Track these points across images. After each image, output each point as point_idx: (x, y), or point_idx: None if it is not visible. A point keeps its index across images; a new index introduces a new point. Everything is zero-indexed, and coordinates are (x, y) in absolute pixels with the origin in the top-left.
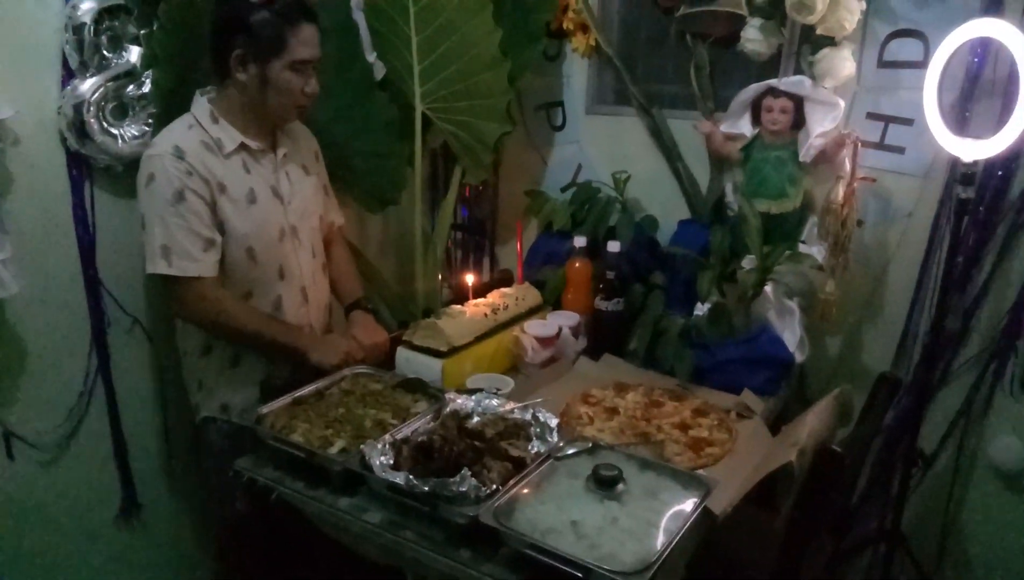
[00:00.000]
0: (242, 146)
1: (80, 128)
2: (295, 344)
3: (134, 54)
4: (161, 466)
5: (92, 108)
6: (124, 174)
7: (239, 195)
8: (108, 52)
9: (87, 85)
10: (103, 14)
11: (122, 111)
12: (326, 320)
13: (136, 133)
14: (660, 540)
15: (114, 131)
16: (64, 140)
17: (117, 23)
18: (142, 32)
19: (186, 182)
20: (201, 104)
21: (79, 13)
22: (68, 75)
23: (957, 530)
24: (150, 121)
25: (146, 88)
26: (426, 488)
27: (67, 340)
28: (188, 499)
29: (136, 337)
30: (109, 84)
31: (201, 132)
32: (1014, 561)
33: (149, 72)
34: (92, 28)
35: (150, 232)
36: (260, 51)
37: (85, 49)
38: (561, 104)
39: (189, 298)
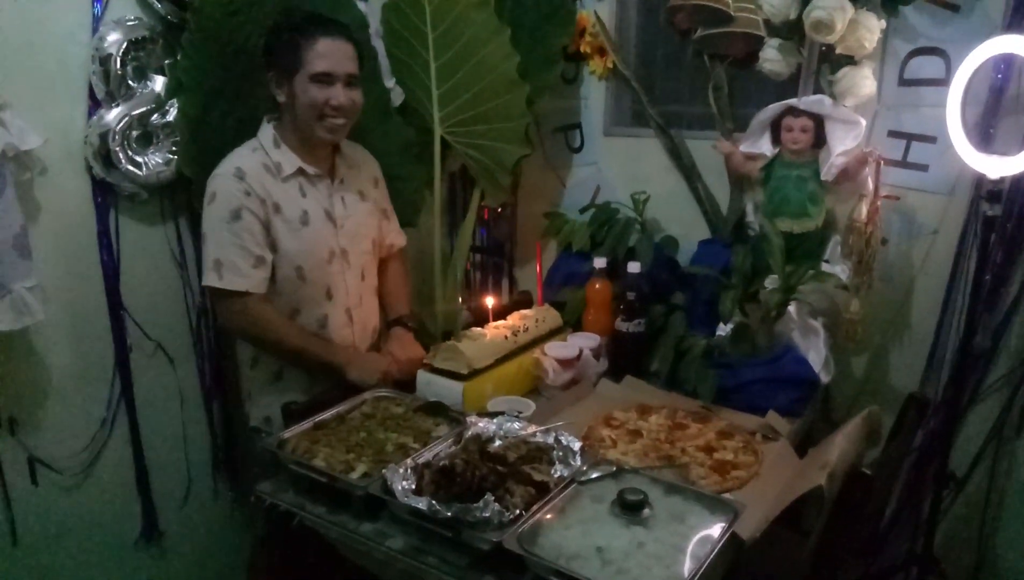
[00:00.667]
0: (300, 170)
1: (106, 156)
2: (334, 360)
3: (159, 84)
4: (182, 492)
5: (118, 137)
6: (148, 201)
7: (292, 216)
8: (133, 82)
9: (113, 114)
10: (130, 45)
11: (147, 139)
12: (373, 341)
13: (160, 161)
14: (688, 566)
15: (139, 159)
16: (90, 168)
17: (143, 53)
18: (166, 62)
19: (244, 202)
20: (266, 130)
21: (106, 45)
22: (95, 105)
23: (991, 553)
24: (174, 149)
25: (170, 116)
26: (449, 513)
27: (91, 366)
28: (209, 525)
29: (158, 362)
30: (134, 113)
31: (263, 155)
32: None
33: (173, 101)
34: (118, 59)
35: (207, 247)
36: (284, 68)
37: (111, 79)
38: (579, 126)
39: (235, 311)
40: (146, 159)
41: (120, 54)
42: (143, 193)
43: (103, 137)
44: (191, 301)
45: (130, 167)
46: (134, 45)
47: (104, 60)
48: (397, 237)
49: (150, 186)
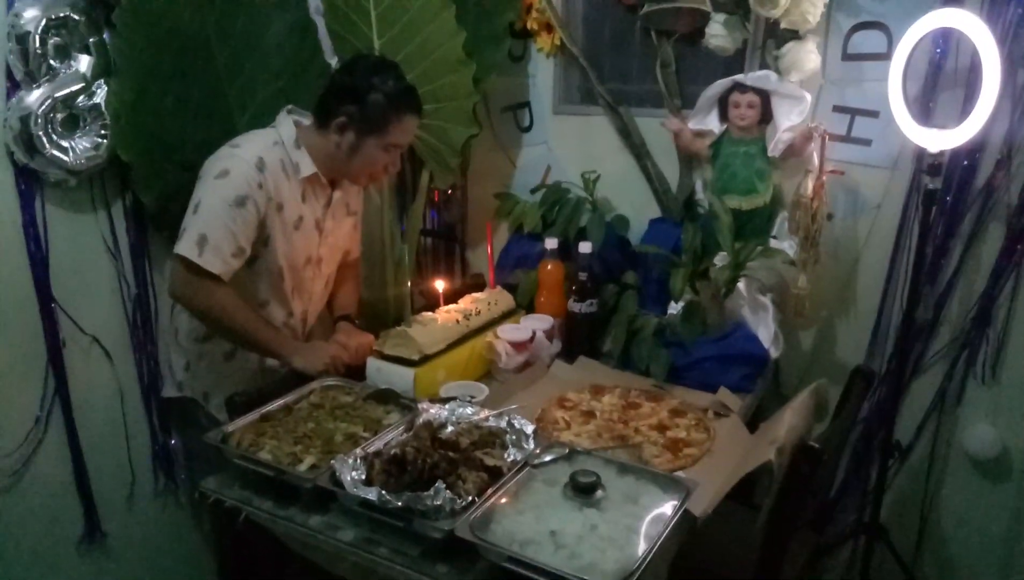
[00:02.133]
0: (313, 177)
1: (28, 141)
2: (279, 350)
3: (84, 63)
4: (125, 491)
5: (40, 120)
6: (78, 188)
7: (290, 219)
8: (55, 61)
9: (34, 97)
10: (49, 22)
11: (73, 123)
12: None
13: (89, 145)
14: (641, 547)
15: (64, 143)
16: (11, 154)
17: (64, 31)
18: (91, 40)
19: (253, 193)
20: (288, 126)
21: (22, 22)
22: (13, 87)
23: (935, 519)
24: (103, 132)
25: (98, 98)
26: (399, 503)
27: (21, 362)
28: (154, 525)
29: (95, 356)
30: (58, 95)
31: (283, 151)
32: (991, 548)
33: (100, 81)
34: (37, 37)
35: (198, 217)
36: (362, 127)
37: (31, 59)
38: (528, 105)
39: (198, 288)
40: (73, 144)
41: (39, 32)
42: (71, 180)
43: (24, 121)
44: (127, 293)
45: (56, 152)
46: (54, 22)
47: (21, 38)
48: (355, 247)
49: (79, 172)
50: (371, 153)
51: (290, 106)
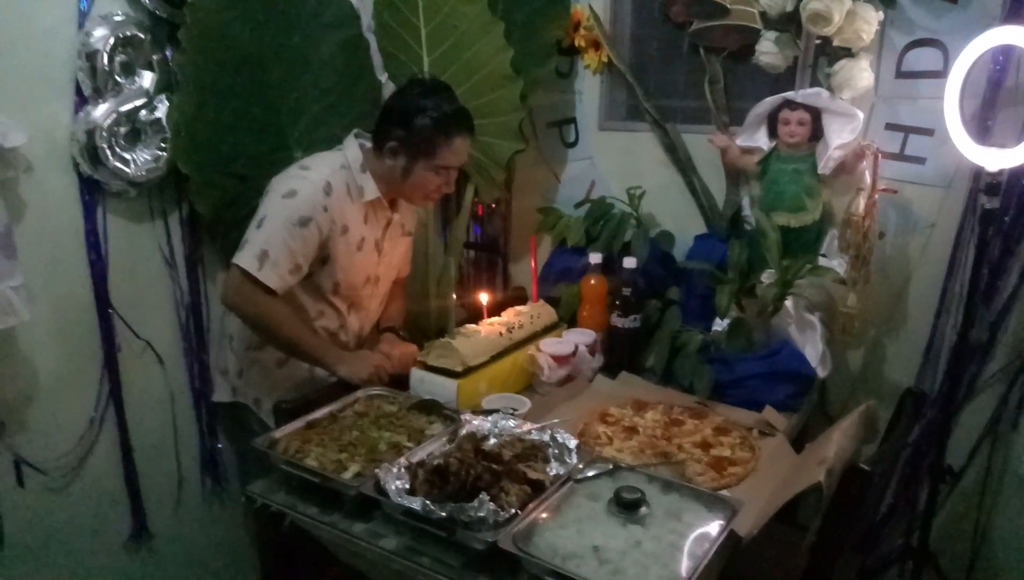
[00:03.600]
0: (377, 200)
1: (93, 153)
2: (324, 358)
3: (147, 79)
4: (173, 493)
5: (105, 134)
6: (136, 199)
7: (353, 240)
8: (121, 78)
9: (100, 111)
10: (117, 41)
11: (135, 136)
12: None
13: (149, 158)
14: (685, 564)
15: (127, 156)
16: (77, 165)
17: (130, 49)
18: (155, 57)
19: (318, 215)
20: (354, 150)
21: (92, 40)
22: (81, 101)
23: (987, 546)
24: (163, 145)
25: (159, 113)
26: (443, 513)
27: (78, 366)
28: (199, 527)
29: (147, 361)
30: (122, 110)
31: (349, 175)
32: None
33: (161, 96)
34: (106, 55)
35: (261, 232)
36: (412, 150)
37: (98, 76)
38: (574, 121)
39: (254, 300)
40: (134, 156)
41: (107, 50)
42: (131, 190)
43: (90, 134)
44: (180, 299)
45: (118, 164)
46: (122, 41)
47: (91, 56)
48: (407, 266)
49: (139, 183)
50: (423, 175)
51: (357, 129)
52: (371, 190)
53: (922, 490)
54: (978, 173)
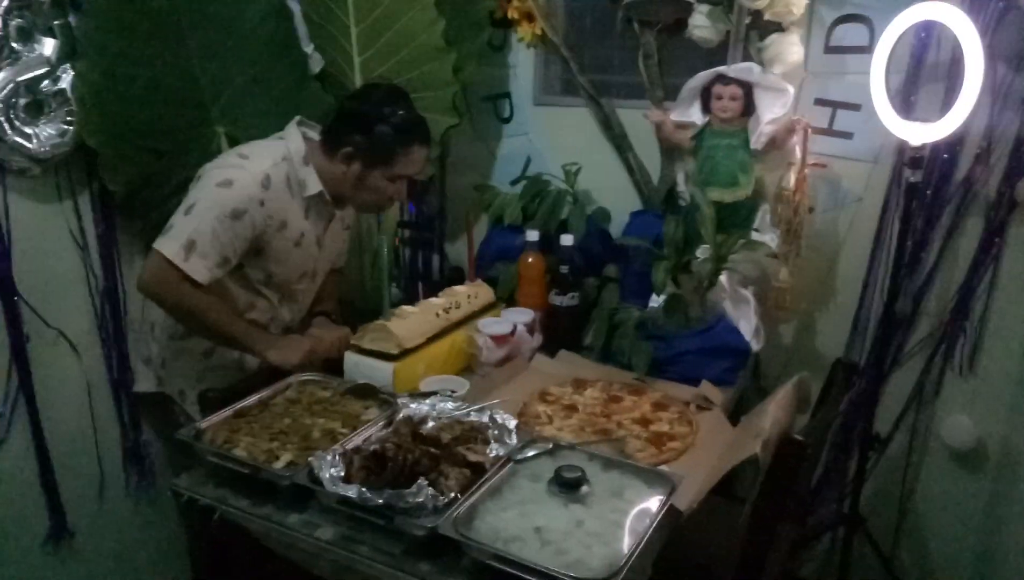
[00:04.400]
0: (319, 195)
1: None
2: (253, 344)
3: (48, 47)
4: (94, 489)
5: (1, 105)
6: (41, 176)
7: (292, 236)
8: (18, 44)
9: None
10: (12, 3)
11: (37, 108)
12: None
13: (54, 132)
14: (627, 542)
15: (28, 130)
16: None
17: (28, 13)
18: (56, 23)
19: (253, 209)
20: (297, 140)
21: None
22: None
23: (912, 509)
24: (69, 119)
25: (63, 83)
26: (380, 500)
27: None
28: (124, 524)
29: (60, 351)
30: (20, 79)
31: (291, 168)
32: (967, 537)
33: (65, 66)
34: None
35: (189, 220)
36: (369, 158)
37: None
38: (508, 95)
39: (178, 290)
40: (37, 130)
41: (1, 13)
42: (35, 168)
43: None
44: (94, 285)
45: (18, 139)
46: (17, 4)
47: None
48: (343, 257)
49: (43, 160)
50: (377, 184)
51: (300, 117)
52: (313, 184)
53: (852, 458)
54: (903, 147)
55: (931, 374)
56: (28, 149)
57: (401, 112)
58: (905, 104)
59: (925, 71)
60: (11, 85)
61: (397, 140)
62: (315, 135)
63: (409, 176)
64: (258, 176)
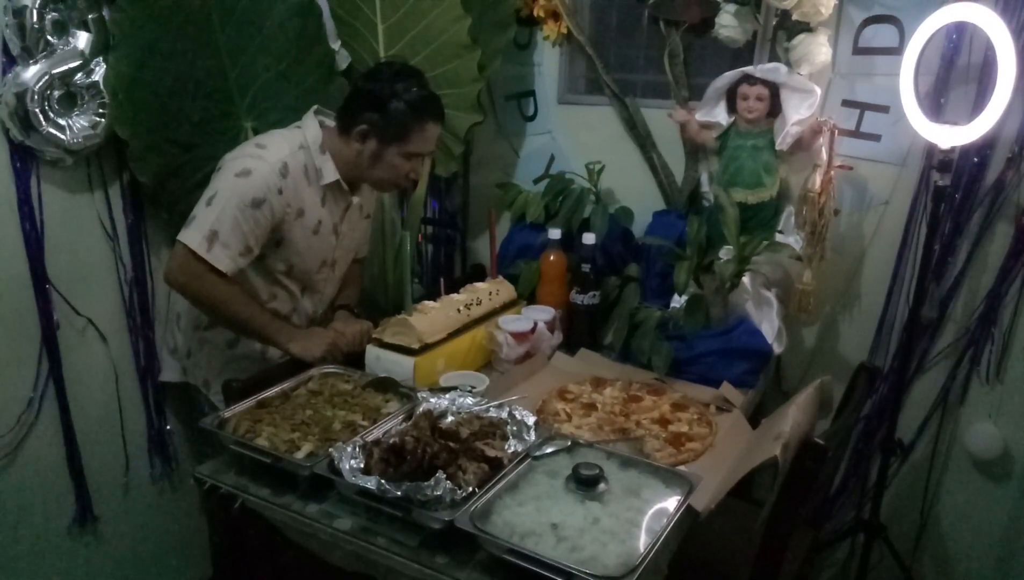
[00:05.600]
0: (336, 183)
1: (24, 118)
2: (276, 336)
3: (82, 40)
4: (119, 475)
5: (36, 97)
6: (74, 167)
7: (310, 224)
8: (53, 37)
9: (30, 73)
10: None
11: (70, 100)
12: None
13: (86, 124)
14: (643, 540)
15: (61, 121)
16: (7, 131)
17: (63, 6)
18: (90, 16)
19: (272, 197)
20: (313, 129)
21: None
22: (9, 62)
23: (934, 518)
24: (101, 111)
25: (96, 76)
26: (398, 492)
27: (14, 343)
28: (148, 510)
29: (89, 339)
30: (55, 72)
31: (307, 156)
32: (990, 547)
33: (99, 59)
34: (35, 12)
35: (211, 211)
36: (384, 135)
37: (28, 34)
38: (532, 94)
39: (203, 280)
40: (70, 122)
41: (37, 6)
42: (68, 158)
43: (20, 97)
44: (123, 275)
45: (52, 130)
46: None
47: (18, 12)
48: (365, 248)
49: (75, 151)
50: (392, 161)
51: (317, 106)
52: (330, 172)
53: (873, 464)
54: (931, 150)
55: (956, 381)
56: (61, 140)
57: (415, 89)
58: (934, 106)
59: (956, 73)
60: (46, 77)
61: (411, 116)
62: (331, 122)
63: (424, 153)
64: (276, 165)
